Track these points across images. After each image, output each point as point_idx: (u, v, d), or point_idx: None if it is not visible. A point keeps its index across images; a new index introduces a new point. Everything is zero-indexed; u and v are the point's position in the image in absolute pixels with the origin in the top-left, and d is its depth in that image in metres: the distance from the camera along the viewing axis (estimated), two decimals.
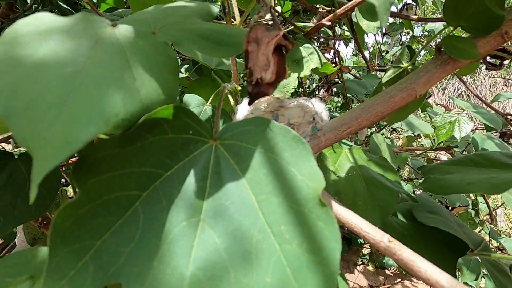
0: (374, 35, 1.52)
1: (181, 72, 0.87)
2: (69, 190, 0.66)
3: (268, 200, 0.19)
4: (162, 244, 0.18)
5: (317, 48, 0.61)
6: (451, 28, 0.37)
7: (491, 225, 1.40)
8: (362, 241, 1.69)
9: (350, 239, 1.69)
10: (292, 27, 0.71)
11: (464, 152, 1.12)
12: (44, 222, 0.52)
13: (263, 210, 0.19)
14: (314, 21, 0.96)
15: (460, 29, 0.36)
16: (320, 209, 0.18)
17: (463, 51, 0.34)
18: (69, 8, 0.83)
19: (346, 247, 1.67)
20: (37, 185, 0.13)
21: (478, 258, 0.46)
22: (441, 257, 0.43)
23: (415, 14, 1.44)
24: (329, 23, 0.62)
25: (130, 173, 0.19)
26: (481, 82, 5.04)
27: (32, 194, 0.13)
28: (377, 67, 1.10)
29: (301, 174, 0.20)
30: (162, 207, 0.19)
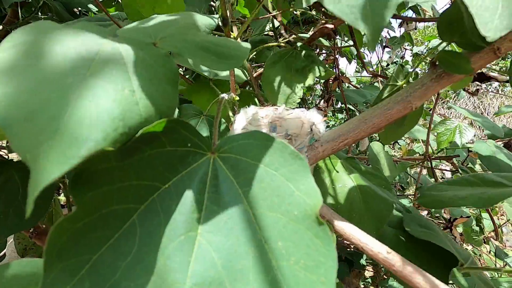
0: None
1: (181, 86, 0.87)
2: (62, 199, 0.65)
3: (265, 215, 0.19)
4: (159, 259, 0.18)
5: (317, 56, 0.62)
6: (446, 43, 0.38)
7: (496, 242, 1.37)
8: (364, 262, 1.64)
9: (352, 260, 1.63)
10: (292, 36, 0.72)
11: (465, 161, 1.11)
12: (36, 232, 0.51)
13: (261, 225, 0.19)
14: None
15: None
16: (317, 227, 0.18)
17: (457, 66, 0.34)
18: (69, 15, 0.84)
19: (347, 269, 1.61)
20: (34, 199, 0.13)
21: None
22: (433, 269, 0.43)
23: (415, 29, 1.46)
24: (332, 26, 0.63)
25: (128, 186, 0.19)
26: (489, 103, 5.08)
27: (28, 208, 0.12)
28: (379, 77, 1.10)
29: (298, 190, 0.20)
30: (159, 220, 0.19)
